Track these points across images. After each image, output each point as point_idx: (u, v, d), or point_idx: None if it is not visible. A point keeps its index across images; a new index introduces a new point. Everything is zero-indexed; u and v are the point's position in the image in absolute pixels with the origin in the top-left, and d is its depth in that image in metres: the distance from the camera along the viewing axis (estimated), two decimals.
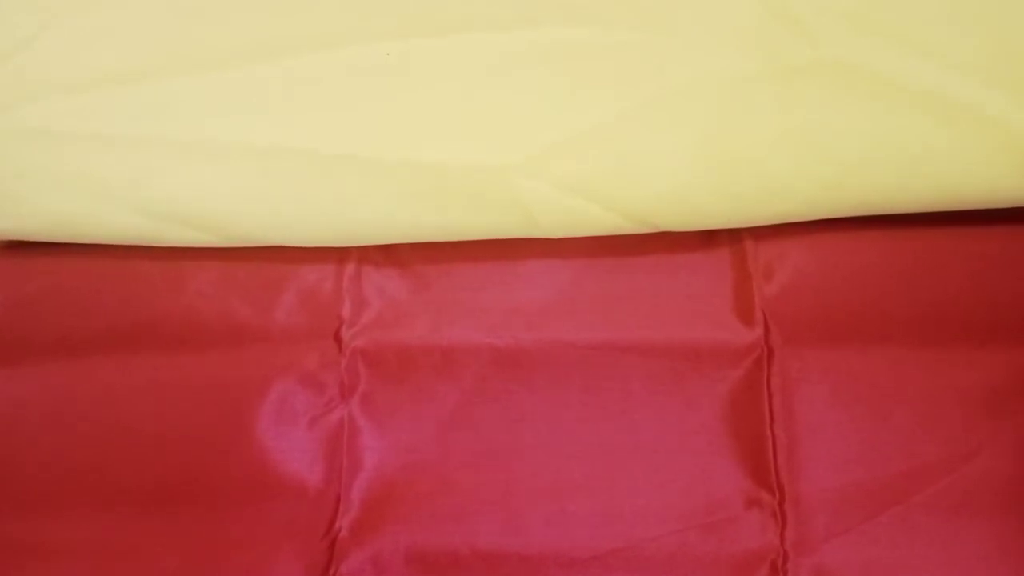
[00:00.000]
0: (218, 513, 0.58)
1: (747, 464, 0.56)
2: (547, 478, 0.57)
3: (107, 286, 0.63)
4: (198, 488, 0.59)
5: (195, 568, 0.57)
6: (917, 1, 0.54)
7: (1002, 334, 0.56)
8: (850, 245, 0.58)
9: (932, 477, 0.54)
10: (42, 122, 0.59)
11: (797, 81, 0.55)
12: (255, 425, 0.59)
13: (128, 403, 0.61)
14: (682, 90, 0.55)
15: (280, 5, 0.59)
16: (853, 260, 0.58)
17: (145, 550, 0.58)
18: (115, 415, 0.61)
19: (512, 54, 0.57)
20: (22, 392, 0.62)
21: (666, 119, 0.55)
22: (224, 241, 0.61)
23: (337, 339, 0.61)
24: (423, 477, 0.58)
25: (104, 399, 0.61)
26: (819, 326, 0.58)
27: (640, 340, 0.59)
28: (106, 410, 0.61)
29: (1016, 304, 0.57)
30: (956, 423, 0.55)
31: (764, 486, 0.56)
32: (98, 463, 0.60)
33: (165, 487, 0.59)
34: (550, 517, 0.57)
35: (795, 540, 0.55)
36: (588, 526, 0.56)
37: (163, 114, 0.59)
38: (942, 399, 0.56)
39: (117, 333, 0.62)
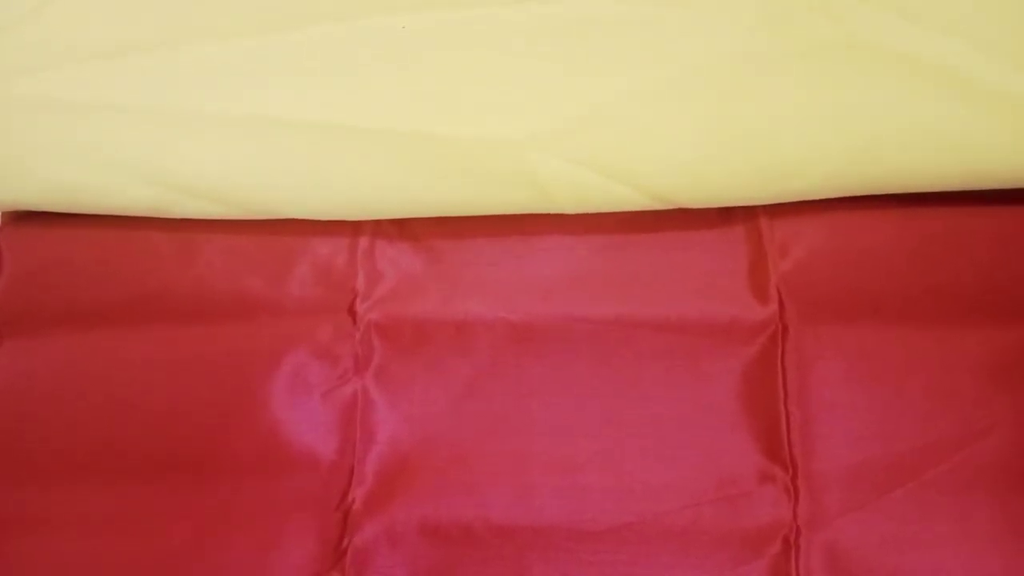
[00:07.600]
0: (230, 485, 0.58)
1: (761, 440, 0.56)
2: (560, 452, 0.57)
3: (117, 257, 0.62)
4: (210, 460, 0.59)
5: (207, 540, 0.57)
6: None
7: (1016, 311, 0.56)
8: (865, 223, 0.58)
9: (945, 453, 0.55)
10: (52, 91, 0.59)
11: (816, 58, 0.54)
12: (268, 397, 0.59)
13: (138, 375, 0.61)
14: (699, 65, 0.55)
15: None
16: (868, 238, 0.58)
17: (156, 521, 0.58)
18: (125, 387, 0.60)
19: (528, 28, 0.56)
20: (32, 363, 0.62)
21: (682, 94, 0.55)
22: (236, 213, 0.60)
23: (351, 312, 0.61)
24: (436, 450, 0.58)
25: (114, 371, 0.61)
26: (834, 303, 0.58)
27: (654, 316, 0.59)
28: (116, 382, 0.61)
29: None
30: (969, 400, 0.55)
31: (777, 462, 0.56)
32: (108, 435, 0.60)
33: (176, 459, 0.59)
34: (563, 491, 0.57)
35: (808, 515, 0.55)
36: (601, 500, 0.56)
37: (176, 84, 0.58)
38: (956, 376, 0.56)
39: (127, 305, 0.62)
